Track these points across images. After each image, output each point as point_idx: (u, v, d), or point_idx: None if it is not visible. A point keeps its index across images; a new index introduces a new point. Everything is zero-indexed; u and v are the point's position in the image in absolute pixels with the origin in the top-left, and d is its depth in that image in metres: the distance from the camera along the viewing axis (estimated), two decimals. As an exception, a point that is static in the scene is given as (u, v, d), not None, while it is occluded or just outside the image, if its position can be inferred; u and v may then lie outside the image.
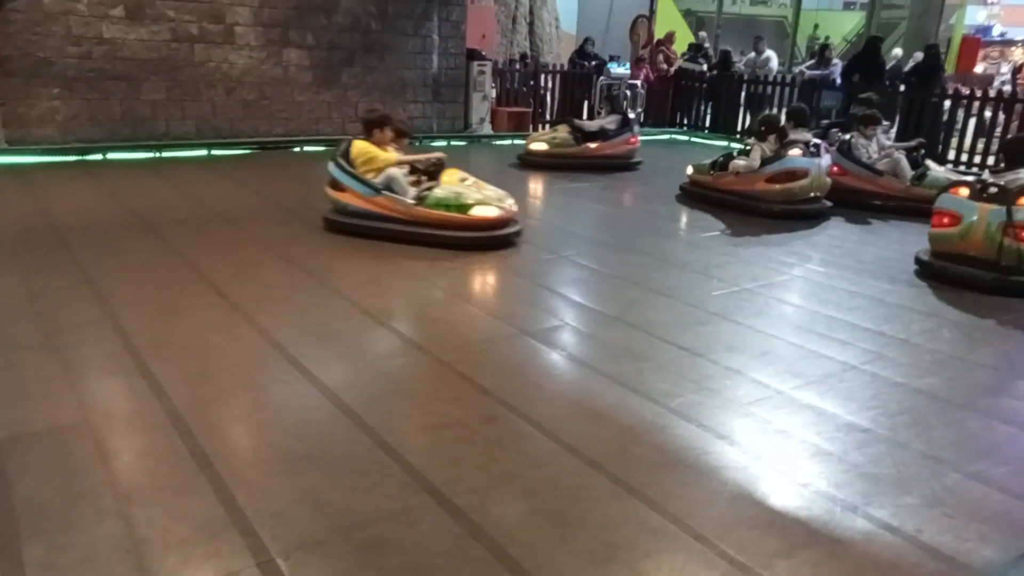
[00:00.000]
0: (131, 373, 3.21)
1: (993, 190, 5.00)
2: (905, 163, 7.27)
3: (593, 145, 9.04)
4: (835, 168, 7.33)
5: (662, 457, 2.76)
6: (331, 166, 5.64)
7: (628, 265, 5.29)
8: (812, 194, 7.00)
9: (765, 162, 6.96)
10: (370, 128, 5.76)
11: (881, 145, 7.57)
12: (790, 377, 3.49)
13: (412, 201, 5.40)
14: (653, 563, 2.20)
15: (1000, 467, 2.79)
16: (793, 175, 6.83)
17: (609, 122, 9.24)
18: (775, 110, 11.40)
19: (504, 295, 4.57)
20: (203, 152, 8.95)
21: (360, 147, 5.63)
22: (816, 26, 22.32)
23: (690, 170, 7.76)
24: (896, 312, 4.47)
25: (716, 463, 2.73)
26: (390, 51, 10.31)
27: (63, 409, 2.89)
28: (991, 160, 9.65)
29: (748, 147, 7.30)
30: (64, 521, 2.24)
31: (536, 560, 2.18)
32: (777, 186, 6.84)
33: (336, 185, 5.63)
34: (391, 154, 5.68)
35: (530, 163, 9.03)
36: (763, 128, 7.26)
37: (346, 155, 5.63)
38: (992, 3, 23.87)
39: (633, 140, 9.31)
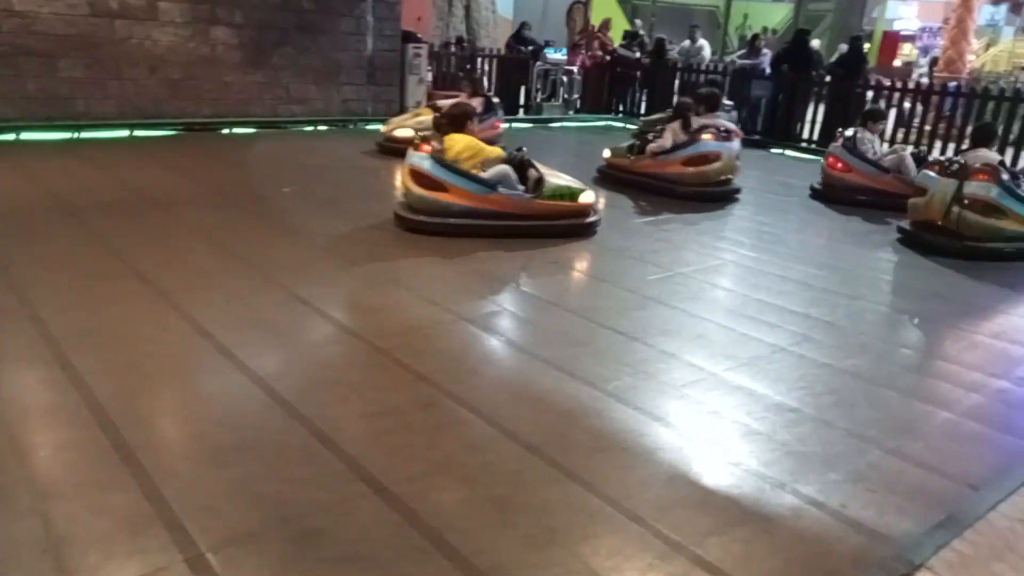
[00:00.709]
0: (49, 364, 3.05)
1: (955, 167, 5.75)
2: (910, 161, 7.16)
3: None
4: (839, 164, 7.43)
5: (600, 441, 2.79)
6: (427, 164, 5.15)
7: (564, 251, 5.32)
8: (724, 176, 7.22)
9: (679, 146, 7.12)
10: (464, 121, 5.50)
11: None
12: (722, 359, 3.57)
13: (530, 195, 5.29)
14: (591, 546, 2.22)
15: (917, 443, 2.93)
16: (706, 158, 7.02)
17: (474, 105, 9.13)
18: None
19: (442, 281, 4.53)
20: (125, 133, 8.56)
21: (466, 142, 5.32)
22: (746, 16, 22.84)
23: (607, 153, 7.85)
24: (822, 296, 4.62)
25: (652, 445, 2.78)
26: (323, 32, 10.05)
27: (-26, 403, 2.73)
28: (910, 149, 10.08)
29: (660, 129, 7.48)
30: (-24, 522, 2.12)
31: (475, 546, 2.17)
32: (691, 169, 7.01)
33: (431, 184, 5.17)
34: (497, 148, 5.52)
35: (391, 151, 8.02)
36: (673, 112, 7.55)
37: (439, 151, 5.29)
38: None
39: (497, 124, 9.20)
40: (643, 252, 5.33)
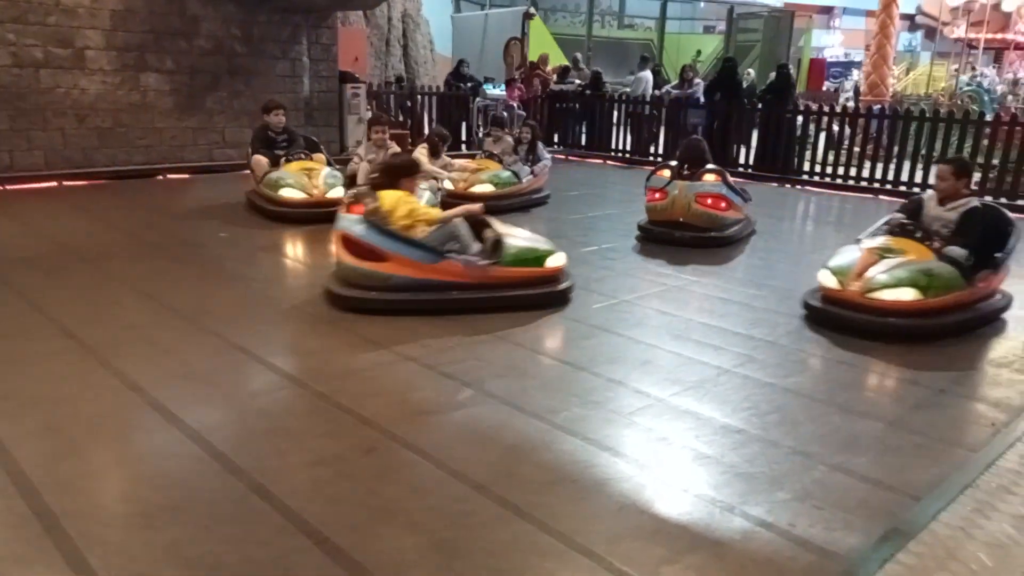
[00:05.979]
0: (-36, 431, 2.88)
1: (687, 172, 6.67)
2: None
3: None
4: None
5: (549, 475, 2.75)
6: (361, 230, 4.36)
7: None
8: None
9: None
10: (399, 177, 4.65)
11: None
12: (669, 384, 3.57)
13: (487, 261, 4.45)
14: (542, 585, 2.16)
15: (860, 457, 2.96)
16: None
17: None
18: (655, 127, 12.20)
19: (382, 318, 4.45)
20: (54, 184, 8.30)
21: (394, 199, 4.48)
22: (699, 51, 23.44)
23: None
24: (763, 316, 4.69)
25: (602, 476, 2.75)
26: (257, 74, 9.98)
27: None
28: (841, 170, 10.44)
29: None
30: None
31: (422, 594, 2.10)
32: None
33: (367, 253, 4.37)
34: (436, 210, 4.78)
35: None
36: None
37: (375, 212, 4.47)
38: (834, 28, 26.09)
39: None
40: (587, 280, 5.33)
